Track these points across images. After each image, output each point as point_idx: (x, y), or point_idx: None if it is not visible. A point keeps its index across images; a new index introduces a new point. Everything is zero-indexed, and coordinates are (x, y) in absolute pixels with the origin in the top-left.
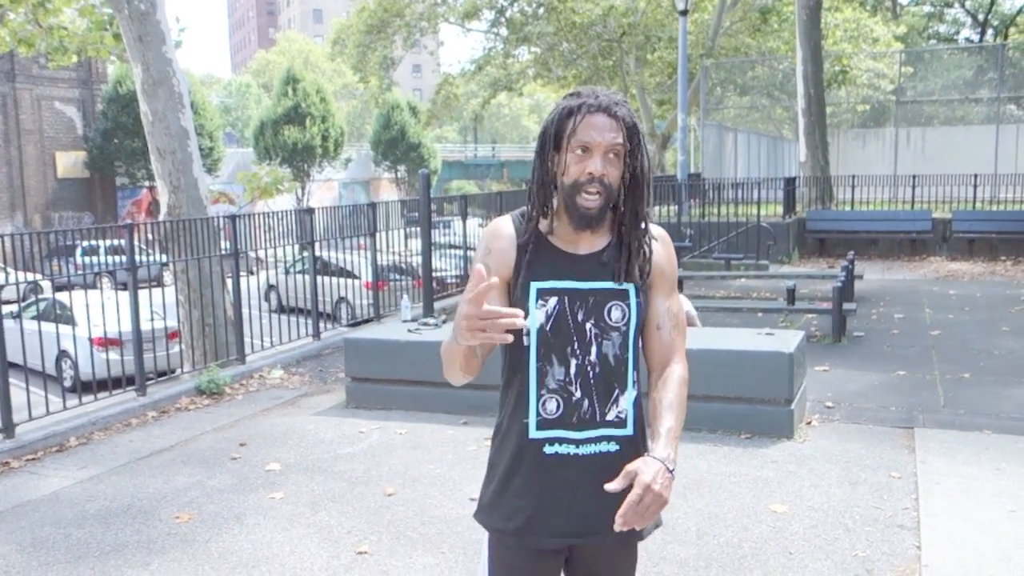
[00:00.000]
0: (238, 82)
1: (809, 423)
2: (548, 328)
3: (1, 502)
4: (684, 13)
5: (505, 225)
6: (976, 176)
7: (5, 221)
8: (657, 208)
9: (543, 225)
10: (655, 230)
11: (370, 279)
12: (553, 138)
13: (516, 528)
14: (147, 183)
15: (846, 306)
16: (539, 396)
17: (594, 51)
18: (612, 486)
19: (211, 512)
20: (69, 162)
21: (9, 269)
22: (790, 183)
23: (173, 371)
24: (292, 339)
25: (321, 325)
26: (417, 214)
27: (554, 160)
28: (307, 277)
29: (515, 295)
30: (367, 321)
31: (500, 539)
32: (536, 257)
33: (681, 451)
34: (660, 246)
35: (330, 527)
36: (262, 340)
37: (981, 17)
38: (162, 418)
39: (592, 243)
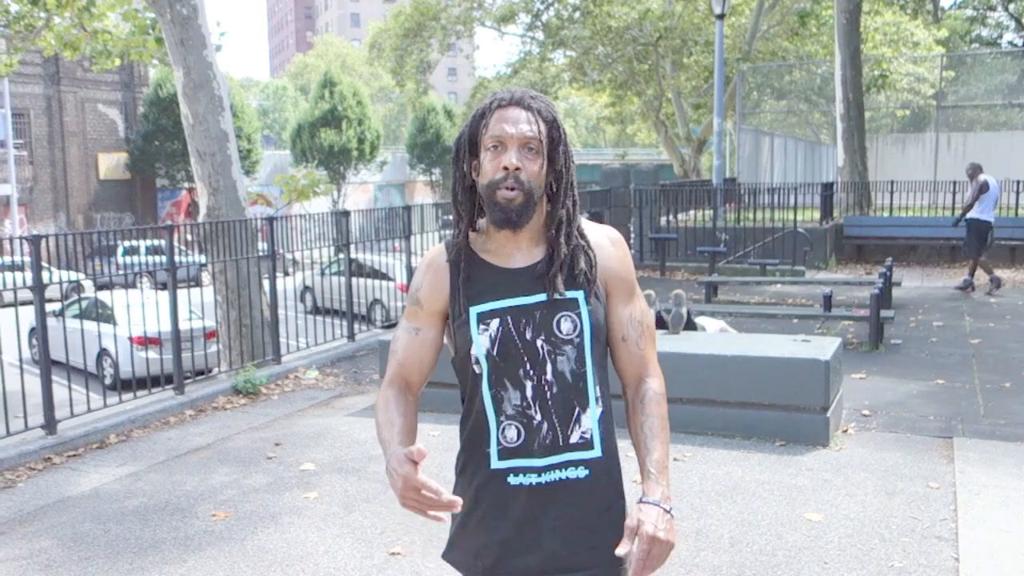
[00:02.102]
0: (276, 85)
1: (845, 431)
2: (495, 352)
3: (43, 497)
4: (721, 17)
5: (435, 253)
6: (1019, 183)
7: (49, 221)
8: (693, 212)
9: (476, 244)
10: (604, 231)
11: (404, 281)
12: (468, 143)
13: (485, 567)
14: (186, 185)
15: (884, 313)
16: (499, 423)
17: (630, 55)
18: (621, 551)
19: (247, 511)
20: (111, 163)
21: (52, 268)
22: (827, 188)
23: (210, 370)
24: (327, 340)
25: (356, 327)
26: (451, 217)
27: (472, 166)
28: (342, 279)
29: (455, 322)
30: None
31: (466, 573)
32: (470, 277)
33: (715, 457)
34: (611, 247)
35: (363, 528)
36: (297, 341)
37: None
38: (199, 417)
39: (529, 255)
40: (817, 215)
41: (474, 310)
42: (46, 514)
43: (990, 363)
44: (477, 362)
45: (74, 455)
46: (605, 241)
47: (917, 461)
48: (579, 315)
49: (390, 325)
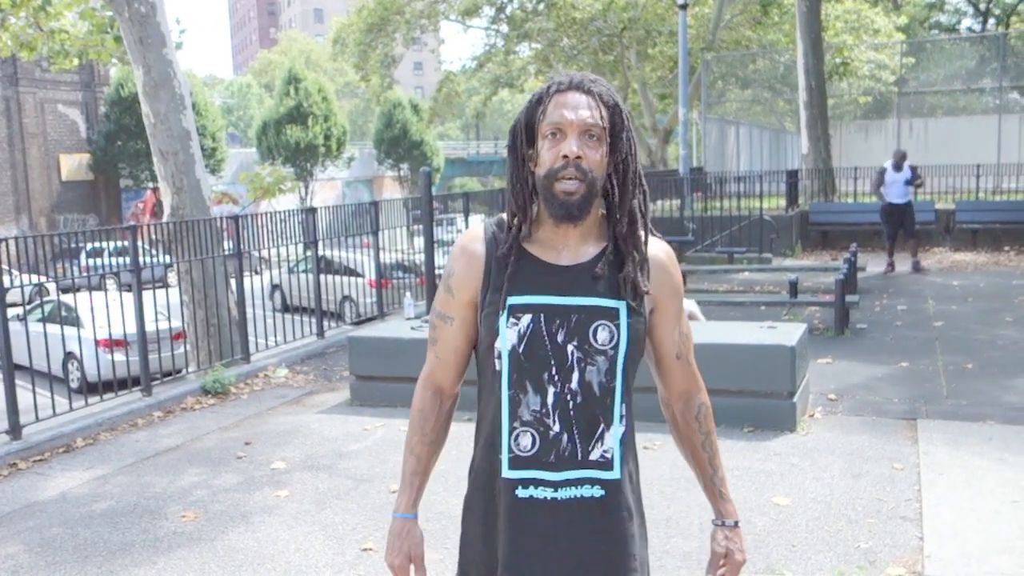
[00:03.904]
0: (240, 82)
1: (812, 416)
2: (521, 350)
3: (9, 503)
4: (684, 7)
5: (472, 238)
6: (979, 167)
7: (10, 224)
8: (660, 202)
9: (522, 233)
10: (658, 243)
11: (374, 277)
12: (524, 130)
13: None
14: (151, 185)
15: (849, 298)
16: (512, 429)
17: (595, 46)
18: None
19: (217, 511)
20: (73, 165)
21: (15, 271)
22: (792, 176)
23: (178, 371)
24: (296, 338)
25: (325, 324)
26: (420, 212)
27: (529, 156)
28: (311, 276)
29: (483, 312)
30: (371, 319)
31: None
32: (513, 268)
33: None
34: (667, 261)
35: (335, 524)
36: (267, 339)
37: (983, 6)
38: (168, 418)
39: (577, 252)
40: (783, 203)
41: (509, 300)
42: (12, 520)
43: (953, 345)
44: (499, 357)
45: (40, 460)
46: (661, 254)
47: (882, 443)
48: (618, 326)
49: (360, 321)
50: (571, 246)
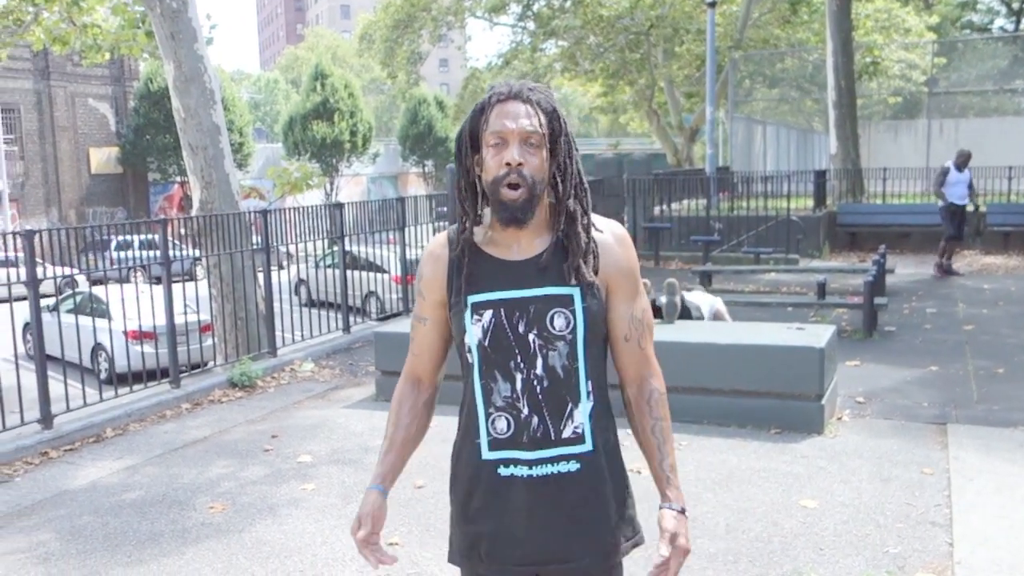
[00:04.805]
0: (267, 78)
1: (840, 418)
2: (487, 343)
3: (41, 491)
4: (712, 5)
5: (437, 243)
6: (1011, 168)
7: (40, 216)
8: (685, 202)
9: (478, 235)
10: (607, 225)
11: (399, 273)
12: (469, 139)
13: (480, 557)
14: (178, 179)
15: (877, 300)
16: (488, 415)
17: (621, 44)
18: (665, 552)
19: (244, 503)
20: (102, 158)
21: (46, 263)
22: (820, 176)
23: (206, 364)
24: (322, 333)
25: (351, 319)
26: (446, 208)
27: (475, 162)
28: (337, 271)
29: (452, 311)
30: (396, 315)
31: (468, 567)
32: (470, 269)
33: (710, 446)
34: (616, 245)
35: None
36: (293, 334)
37: (1016, 6)
38: (196, 410)
39: (529, 247)
40: (810, 203)
41: (470, 299)
42: (44, 508)
43: (983, 349)
44: (469, 351)
45: (71, 449)
46: (610, 238)
47: (911, 447)
48: (573, 312)
49: (385, 317)
50: (522, 243)
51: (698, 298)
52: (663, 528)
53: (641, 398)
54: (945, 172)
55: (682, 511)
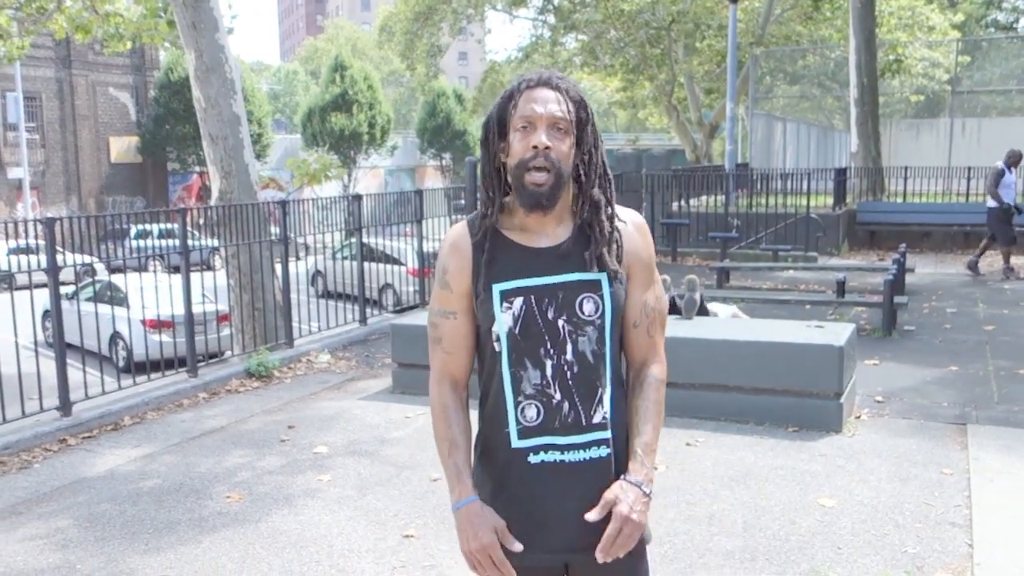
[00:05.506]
0: (286, 69)
1: (859, 417)
2: (517, 330)
3: (59, 478)
4: (734, 0)
5: (458, 233)
6: None
7: (61, 204)
8: (704, 198)
9: (501, 221)
10: (628, 215)
11: (415, 266)
12: (497, 124)
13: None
14: (197, 168)
15: (897, 299)
16: (517, 403)
17: (642, 39)
18: (591, 516)
19: (261, 492)
20: (122, 147)
21: (66, 251)
22: (841, 174)
23: (223, 354)
24: (339, 324)
25: (367, 311)
26: (463, 201)
27: (500, 148)
28: (354, 263)
29: (478, 300)
30: (412, 307)
31: None
32: (494, 257)
33: (728, 443)
34: (635, 232)
35: (377, 510)
36: (309, 325)
37: None
38: (213, 399)
39: (554, 234)
40: (830, 201)
41: (497, 288)
42: (62, 494)
43: (1004, 349)
44: (497, 339)
45: (89, 436)
46: (631, 227)
47: (931, 447)
48: (602, 297)
49: (401, 309)
50: (547, 230)
51: (717, 308)
52: (604, 496)
53: (638, 380)
54: (1000, 173)
55: (639, 486)
